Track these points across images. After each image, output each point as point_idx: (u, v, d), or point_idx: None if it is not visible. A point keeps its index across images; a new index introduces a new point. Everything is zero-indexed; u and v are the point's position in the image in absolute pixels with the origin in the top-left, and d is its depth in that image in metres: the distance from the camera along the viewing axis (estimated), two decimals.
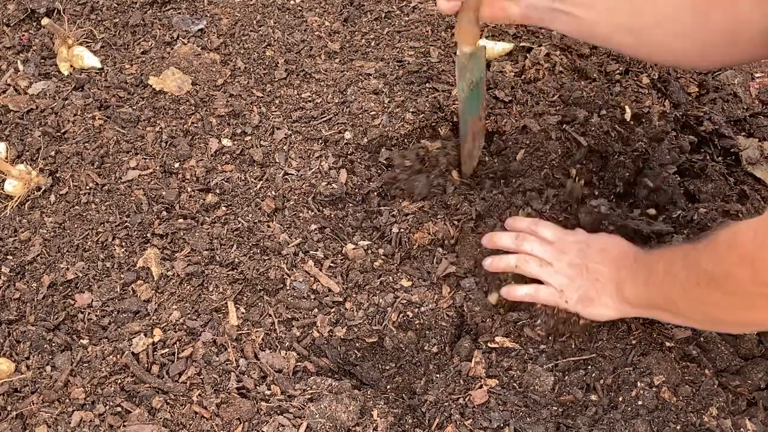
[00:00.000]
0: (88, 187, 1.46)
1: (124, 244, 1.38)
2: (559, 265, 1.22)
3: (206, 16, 1.80)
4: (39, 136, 1.54)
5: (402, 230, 1.39)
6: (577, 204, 1.38)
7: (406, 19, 1.79)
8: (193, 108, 1.60)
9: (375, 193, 1.47)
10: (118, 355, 1.21)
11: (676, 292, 1.06)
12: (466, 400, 1.17)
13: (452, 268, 1.33)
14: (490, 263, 1.28)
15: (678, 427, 1.11)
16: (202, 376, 1.18)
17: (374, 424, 1.14)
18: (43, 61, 1.71)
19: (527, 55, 1.69)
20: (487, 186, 1.44)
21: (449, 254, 1.36)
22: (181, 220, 1.41)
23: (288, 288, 1.32)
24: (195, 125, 1.57)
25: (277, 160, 1.52)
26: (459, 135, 1.44)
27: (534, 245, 1.25)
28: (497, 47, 1.68)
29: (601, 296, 1.18)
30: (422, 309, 1.29)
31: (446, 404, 1.17)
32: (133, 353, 1.21)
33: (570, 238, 1.25)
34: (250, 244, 1.38)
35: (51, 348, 1.23)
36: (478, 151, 1.45)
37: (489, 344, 1.25)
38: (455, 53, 1.42)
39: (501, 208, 1.38)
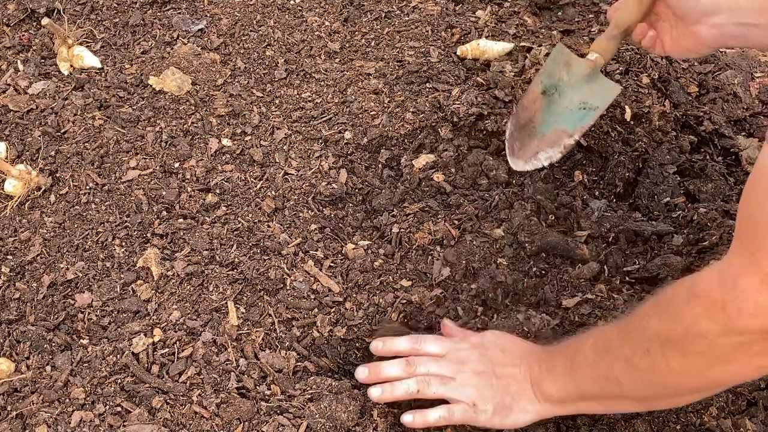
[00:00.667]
0: (88, 187, 1.46)
1: (124, 244, 1.38)
2: (463, 377, 1.09)
3: (206, 16, 1.80)
4: (39, 136, 1.54)
5: (402, 230, 1.39)
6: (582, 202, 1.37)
7: (406, 19, 1.79)
8: (193, 108, 1.60)
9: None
10: (118, 355, 1.21)
11: (618, 369, 0.94)
12: None
13: (447, 271, 1.33)
14: (382, 394, 1.12)
15: (678, 427, 1.11)
16: (202, 376, 1.18)
17: (374, 424, 1.14)
18: (43, 61, 1.71)
19: (527, 55, 1.68)
20: (485, 186, 1.44)
21: (448, 255, 1.36)
22: (181, 220, 1.41)
23: (288, 288, 1.32)
24: (195, 125, 1.57)
25: (277, 160, 1.52)
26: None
27: (428, 365, 1.11)
28: (497, 47, 1.68)
29: (518, 401, 1.06)
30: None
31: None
32: (133, 353, 1.21)
33: (461, 345, 1.13)
34: (250, 244, 1.38)
35: (51, 348, 1.23)
36: (534, 152, 1.36)
37: None
38: (553, 47, 1.36)
39: (499, 208, 1.39)
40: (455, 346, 1.14)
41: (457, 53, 1.68)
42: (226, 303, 1.29)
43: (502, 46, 1.70)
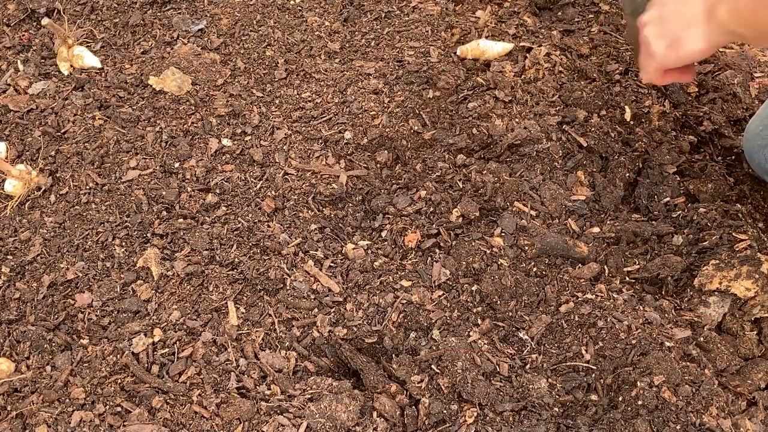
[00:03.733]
0: (88, 187, 1.46)
1: (124, 244, 1.38)
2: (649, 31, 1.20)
3: (206, 16, 1.80)
4: (39, 136, 1.54)
5: (402, 230, 1.39)
6: None
7: (406, 19, 1.79)
8: (193, 108, 1.60)
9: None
10: (118, 355, 1.21)
11: None
12: None
13: (447, 272, 1.33)
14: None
15: (678, 427, 1.11)
16: (202, 376, 1.18)
17: (374, 424, 1.14)
18: (43, 61, 1.71)
19: (527, 55, 1.68)
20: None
21: (446, 256, 1.36)
22: (181, 220, 1.41)
23: (288, 288, 1.32)
24: (195, 125, 1.57)
25: (277, 160, 1.52)
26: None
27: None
28: (497, 47, 1.68)
29: (689, 30, 1.13)
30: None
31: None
32: (133, 353, 1.21)
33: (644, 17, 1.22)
34: (250, 244, 1.38)
35: (51, 348, 1.23)
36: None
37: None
38: None
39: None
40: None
41: (457, 53, 1.68)
42: (226, 303, 1.29)
43: (502, 46, 1.70)
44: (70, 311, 1.29)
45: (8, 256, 1.38)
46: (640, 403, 1.13)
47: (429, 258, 1.36)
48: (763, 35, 1.09)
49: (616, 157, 1.50)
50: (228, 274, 1.33)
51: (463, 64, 1.68)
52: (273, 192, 1.46)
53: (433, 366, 1.20)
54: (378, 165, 1.51)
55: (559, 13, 1.83)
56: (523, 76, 1.65)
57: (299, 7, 1.83)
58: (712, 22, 1.11)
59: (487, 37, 1.73)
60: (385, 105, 1.57)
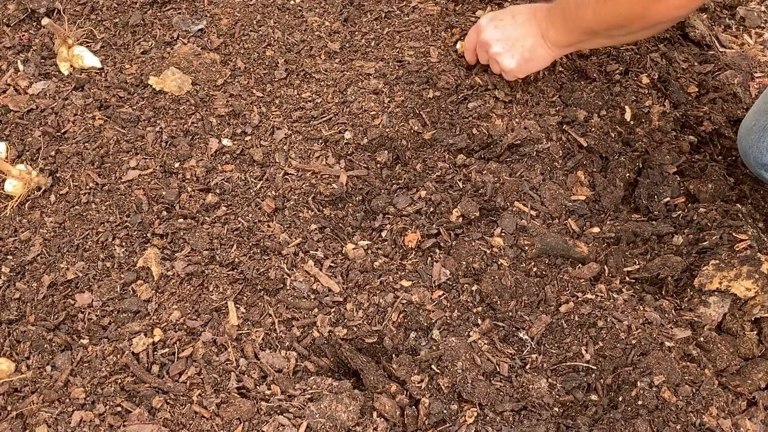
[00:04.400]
0: (88, 187, 1.46)
1: (124, 244, 1.38)
2: (497, 50, 1.48)
3: (206, 16, 1.80)
4: (39, 136, 1.54)
5: (402, 230, 1.39)
6: None
7: (406, 19, 1.79)
8: (193, 108, 1.60)
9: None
10: (118, 355, 1.21)
11: (588, 15, 1.30)
12: None
13: (447, 272, 1.33)
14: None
15: (678, 427, 1.11)
16: (202, 376, 1.18)
17: (374, 424, 1.14)
18: (43, 61, 1.71)
19: None
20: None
21: (446, 256, 1.36)
22: (181, 220, 1.41)
23: (288, 288, 1.32)
24: (195, 125, 1.57)
25: (277, 160, 1.52)
26: None
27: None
28: None
29: (535, 51, 1.44)
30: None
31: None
32: (133, 353, 1.21)
33: (482, 35, 1.50)
34: (250, 244, 1.38)
35: (51, 348, 1.23)
36: None
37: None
38: None
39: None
40: (480, 36, 1.51)
41: (457, 48, 1.68)
42: (226, 303, 1.29)
43: None
44: (70, 311, 1.29)
45: (8, 256, 1.38)
46: (640, 403, 1.13)
47: (429, 258, 1.36)
48: (594, 31, 1.35)
49: (616, 157, 1.50)
50: (228, 274, 1.33)
51: (463, 63, 1.68)
52: (273, 192, 1.46)
53: (433, 366, 1.20)
54: (378, 165, 1.51)
55: None
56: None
57: (299, 7, 1.83)
58: (549, 45, 1.42)
59: None
60: (385, 105, 1.57)
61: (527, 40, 1.44)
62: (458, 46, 1.69)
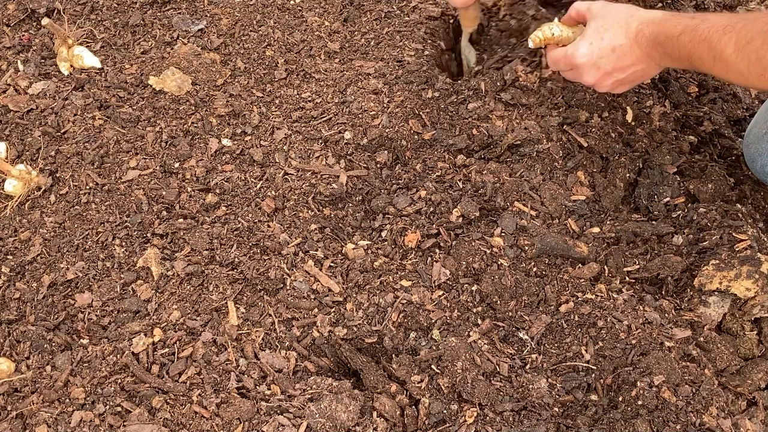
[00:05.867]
0: (88, 187, 1.46)
1: (124, 244, 1.38)
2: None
3: (206, 16, 1.80)
4: (39, 136, 1.54)
5: (402, 230, 1.39)
6: None
7: (406, 19, 1.79)
8: (193, 108, 1.60)
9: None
10: (118, 355, 1.21)
11: (731, 76, 1.13)
12: None
13: (447, 272, 1.33)
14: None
15: (678, 427, 1.11)
16: (202, 376, 1.18)
17: (374, 424, 1.14)
18: (43, 61, 1.71)
19: None
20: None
21: (446, 256, 1.36)
22: (181, 220, 1.41)
23: (288, 288, 1.32)
24: (195, 125, 1.57)
25: (277, 160, 1.52)
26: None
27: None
28: None
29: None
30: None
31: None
32: (133, 353, 1.21)
33: (576, 61, 1.34)
34: (250, 244, 1.38)
35: (51, 348, 1.23)
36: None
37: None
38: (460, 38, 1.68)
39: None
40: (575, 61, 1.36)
41: (529, 44, 1.65)
42: (226, 303, 1.29)
43: None
44: (70, 311, 1.29)
45: (8, 256, 1.38)
46: (640, 403, 1.13)
47: (429, 258, 1.36)
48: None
49: (616, 157, 1.50)
50: (228, 274, 1.33)
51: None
52: (273, 192, 1.46)
53: (433, 366, 1.20)
54: (378, 165, 1.51)
55: (562, 12, 1.83)
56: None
57: (299, 7, 1.83)
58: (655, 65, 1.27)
59: None
60: (385, 105, 1.57)
61: (632, 69, 1.30)
62: (530, 43, 1.58)
